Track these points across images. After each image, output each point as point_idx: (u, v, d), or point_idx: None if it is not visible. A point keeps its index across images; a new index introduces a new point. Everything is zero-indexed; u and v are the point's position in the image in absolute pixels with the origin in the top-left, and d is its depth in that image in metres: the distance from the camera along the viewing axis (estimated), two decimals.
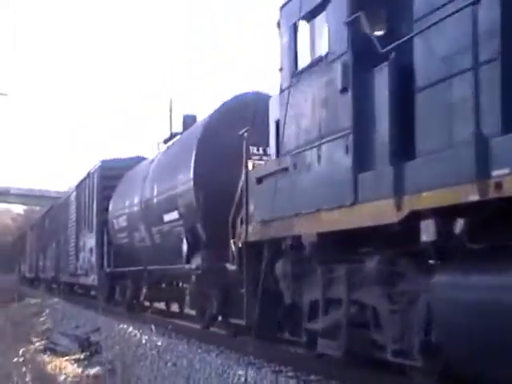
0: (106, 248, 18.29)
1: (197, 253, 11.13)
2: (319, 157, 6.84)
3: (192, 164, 11.06)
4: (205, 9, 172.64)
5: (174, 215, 12.11)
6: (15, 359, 7.26)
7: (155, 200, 13.33)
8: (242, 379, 6.78)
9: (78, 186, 22.93)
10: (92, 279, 19.92)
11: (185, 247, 11.35)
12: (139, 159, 18.68)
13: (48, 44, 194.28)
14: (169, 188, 12.40)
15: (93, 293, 27.28)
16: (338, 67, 6.47)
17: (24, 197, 68.06)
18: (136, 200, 14.86)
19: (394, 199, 5.53)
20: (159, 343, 9.29)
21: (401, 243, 5.84)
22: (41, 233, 35.64)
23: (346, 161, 6.33)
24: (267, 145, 10.66)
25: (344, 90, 6.38)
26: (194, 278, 12.00)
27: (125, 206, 16.05)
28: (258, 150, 10.89)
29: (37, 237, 37.70)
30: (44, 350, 10.12)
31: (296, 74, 7.42)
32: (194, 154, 11.08)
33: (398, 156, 5.70)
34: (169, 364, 8.37)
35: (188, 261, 11.29)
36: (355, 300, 6.73)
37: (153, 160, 14.76)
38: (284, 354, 8.44)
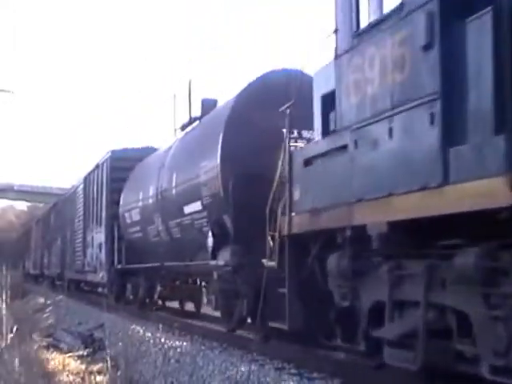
0: (116, 243, 17.10)
1: (224, 247, 9.93)
2: (391, 130, 5.64)
3: (219, 148, 9.85)
4: (205, 9, 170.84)
5: (197, 206, 10.90)
6: (18, 356, 6.97)
7: (174, 191, 12.12)
8: (245, 376, 6.55)
9: (86, 179, 21.74)
10: (101, 276, 18.72)
11: (210, 241, 10.15)
12: (151, 150, 17.51)
13: (50, 42, 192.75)
14: (190, 177, 11.19)
15: (100, 290, 26.20)
16: (419, 19, 5.27)
17: (27, 193, 67.60)
18: (151, 191, 13.66)
19: (507, 177, 4.33)
20: (163, 340, 9.13)
21: (508, 233, 4.64)
22: (46, 228, 34.47)
23: (432, 132, 5.13)
24: (302, 127, 9.55)
25: (428, 46, 5.19)
26: (217, 275, 10.86)
27: (138, 198, 14.84)
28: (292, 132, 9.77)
29: (42, 232, 36.52)
30: (47, 347, 9.77)
31: (358, 35, 6.22)
32: (220, 138, 9.87)
33: (506, 123, 4.49)
34: (172, 361, 8.08)
35: (214, 256, 10.08)
36: (435, 303, 5.54)
37: (170, 147, 13.54)
38: (287, 351, 8.28)
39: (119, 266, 16.81)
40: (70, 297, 22.88)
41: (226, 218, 9.88)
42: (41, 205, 62.34)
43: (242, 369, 6.93)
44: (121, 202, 16.63)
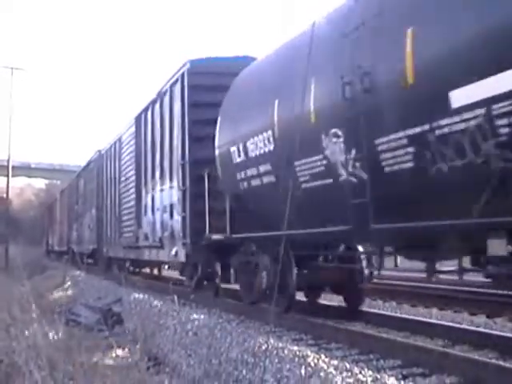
0: (207, 202, 10.36)
1: None
2: None
3: None
4: None
5: None
6: (38, 331, 6.16)
7: (412, 68, 5.26)
8: (263, 348, 5.87)
9: (140, 117, 14.89)
10: (174, 253, 12.00)
11: None
12: (249, 59, 10.73)
13: (61, 15, 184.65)
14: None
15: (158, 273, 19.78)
16: None
17: (44, 171, 65.04)
18: (320, 90, 6.80)
19: None
20: (180, 313, 8.62)
21: None
22: (74, 198, 27.74)
23: None
24: None
25: None
26: None
27: (266, 115, 8.01)
28: None
29: (68, 203, 29.79)
30: (67, 322, 8.63)
31: None
32: None
33: None
34: (190, 334, 7.36)
35: None
36: None
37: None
38: (304, 323, 7.91)
39: (214, 237, 10.09)
40: (87, 272, 20.12)
41: None
42: (58, 182, 59.51)
43: (260, 341, 6.34)
44: (218, 137, 9.85)
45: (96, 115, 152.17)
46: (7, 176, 32.79)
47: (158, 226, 13.27)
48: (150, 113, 13.92)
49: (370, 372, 4.88)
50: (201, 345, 6.54)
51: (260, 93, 8.55)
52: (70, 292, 14.80)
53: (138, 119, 14.97)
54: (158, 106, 13.22)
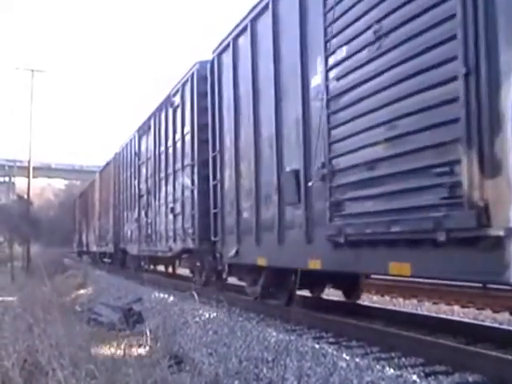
0: None
1: None
2: None
3: None
4: None
5: None
6: (61, 330, 6.26)
7: None
8: (283, 346, 5.70)
9: None
10: None
11: None
12: None
13: (80, 17, 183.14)
14: None
15: None
16: None
17: (65, 171, 65.16)
18: None
19: None
20: (201, 312, 8.40)
21: None
22: (131, 169, 17.46)
23: None
24: None
25: None
26: None
27: None
28: None
29: (117, 182, 19.63)
30: (88, 321, 8.97)
31: None
32: None
33: None
34: (210, 332, 7.21)
35: None
36: None
37: None
38: (325, 321, 7.26)
39: None
40: (109, 272, 19.78)
41: None
42: (78, 182, 58.64)
43: (280, 338, 6.12)
44: None
45: (115, 117, 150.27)
46: (28, 177, 32.00)
47: None
48: None
49: (392, 370, 4.66)
50: (221, 344, 6.38)
51: None
52: (91, 291, 14.28)
53: None
54: None
